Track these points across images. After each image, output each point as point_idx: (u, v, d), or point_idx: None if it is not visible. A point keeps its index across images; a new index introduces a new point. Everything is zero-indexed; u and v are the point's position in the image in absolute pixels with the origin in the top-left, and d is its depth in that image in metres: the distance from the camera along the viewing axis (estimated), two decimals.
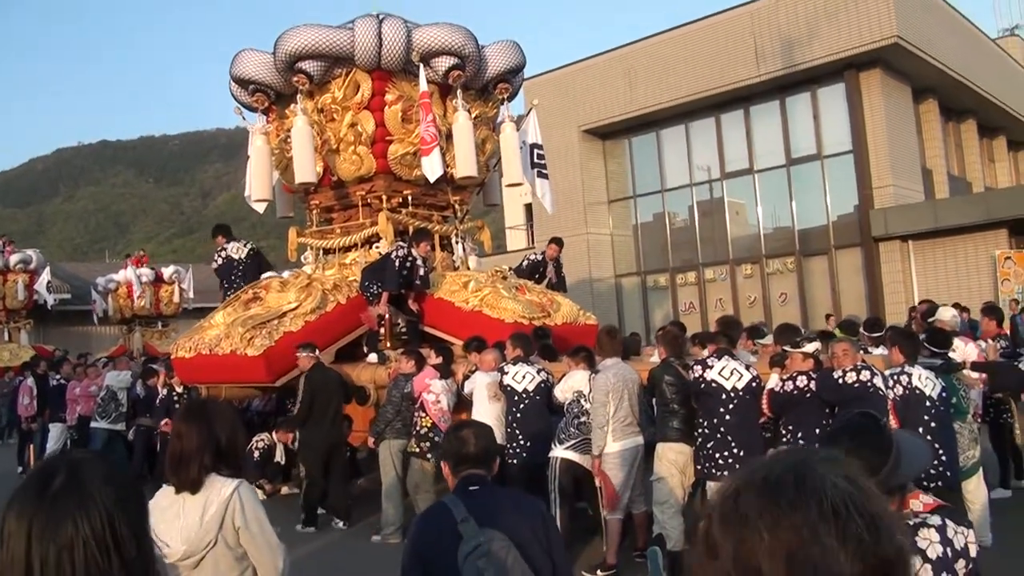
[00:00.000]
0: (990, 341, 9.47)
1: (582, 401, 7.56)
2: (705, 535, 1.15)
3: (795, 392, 6.72)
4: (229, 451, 3.32)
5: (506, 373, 8.12)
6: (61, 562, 1.42)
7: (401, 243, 10.63)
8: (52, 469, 1.53)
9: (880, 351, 9.37)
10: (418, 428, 8.57)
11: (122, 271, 27.18)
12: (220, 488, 3.23)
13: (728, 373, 6.87)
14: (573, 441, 7.52)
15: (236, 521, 3.21)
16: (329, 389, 9.27)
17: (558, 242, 12.78)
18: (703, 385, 6.89)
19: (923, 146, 22.26)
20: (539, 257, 12.74)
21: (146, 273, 26.62)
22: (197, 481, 3.22)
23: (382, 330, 10.41)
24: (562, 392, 7.80)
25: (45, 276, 25.65)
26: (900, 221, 19.27)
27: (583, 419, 7.50)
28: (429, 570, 2.96)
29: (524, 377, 8.07)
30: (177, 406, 11.01)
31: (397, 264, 10.17)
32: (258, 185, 11.38)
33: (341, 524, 9.30)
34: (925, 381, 6.52)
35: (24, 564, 1.43)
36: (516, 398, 7.97)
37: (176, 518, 3.16)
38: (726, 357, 6.99)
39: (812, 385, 6.70)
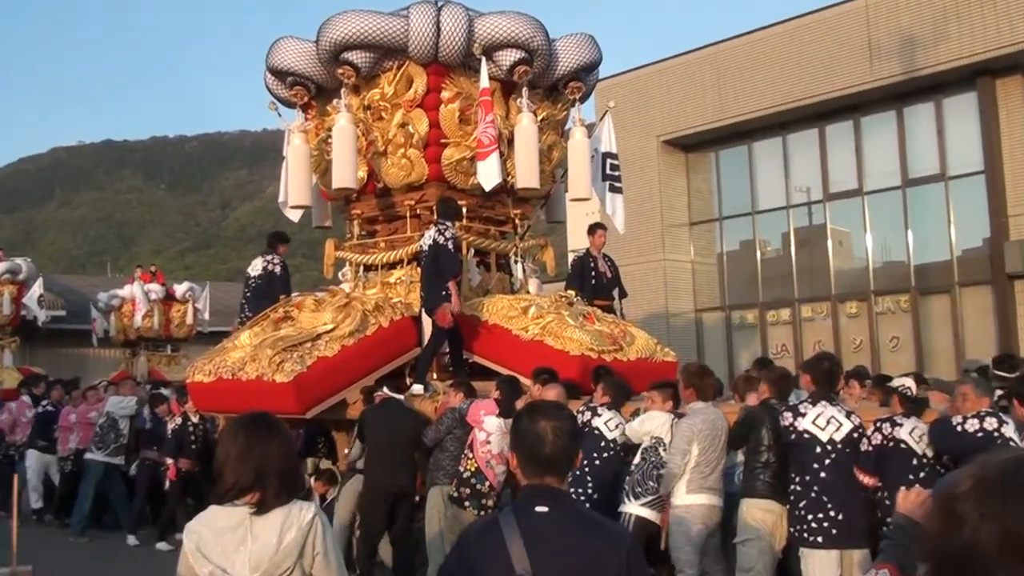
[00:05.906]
0: None
1: (661, 450, 7.61)
2: (948, 508, 1.58)
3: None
4: (297, 471, 3.60)
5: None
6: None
7: (439, 223, 10.63)
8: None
9: None
10: (462, 471, 8.63)
11: (127, 286, 27.59)
12: (300, 511, 3.41)
13: (824, 422, 6.82)
14: (651, 497, 7.58)
15: (316, 547, 3.40)
16: (393, 429, 9.11)
17: (600, 228, 12.59)
18: (794, 436, 6.89)
19: None
20: (583, 251, 12.71)
21: (155, 290, 26.98)
22: (275, 502, 3.39)
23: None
24: (635, 434, 7.86)
25: (37, 289, 25.79)
26: None
27: (663, 471, 7.55)
28: None
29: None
30: (193, 438, 11.31)
31: (452, 246, 10.31)
32: (295, 190, 11.65)
33: None
34: None
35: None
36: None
37: (242, 542, 3.31)
38: (823, 403, 6.93)
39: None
